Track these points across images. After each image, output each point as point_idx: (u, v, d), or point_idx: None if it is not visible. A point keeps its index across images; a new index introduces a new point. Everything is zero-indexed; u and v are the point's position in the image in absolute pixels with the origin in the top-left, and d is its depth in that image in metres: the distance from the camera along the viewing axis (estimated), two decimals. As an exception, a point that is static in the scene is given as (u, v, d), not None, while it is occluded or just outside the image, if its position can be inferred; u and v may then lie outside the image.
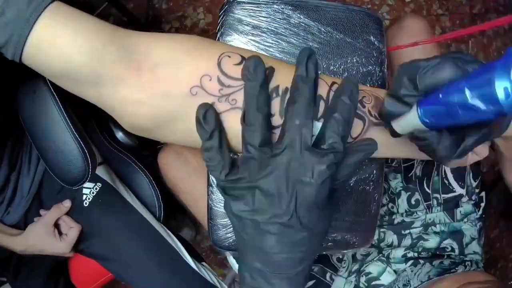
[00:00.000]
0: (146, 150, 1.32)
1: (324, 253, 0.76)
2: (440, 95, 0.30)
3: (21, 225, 0.81)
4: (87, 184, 0.80)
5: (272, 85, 0.35)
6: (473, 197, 0.74)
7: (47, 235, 0.76)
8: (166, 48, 0.35)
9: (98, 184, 0.82)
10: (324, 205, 0.34)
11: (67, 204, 0.80)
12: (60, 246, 0.78)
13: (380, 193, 0.56)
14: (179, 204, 0.86)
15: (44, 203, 0.82)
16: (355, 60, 0.55)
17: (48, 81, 0.64)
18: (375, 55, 0.56)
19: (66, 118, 0.64)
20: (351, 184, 0.55)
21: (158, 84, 0.34)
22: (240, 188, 0.34)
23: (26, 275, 0.85)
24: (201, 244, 1.45)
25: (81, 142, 0.65)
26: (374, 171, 0.55)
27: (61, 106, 0.64)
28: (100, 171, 0.83)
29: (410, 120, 0.33)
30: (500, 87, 0.25)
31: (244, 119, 0.34)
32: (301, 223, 0.33)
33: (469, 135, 0.33)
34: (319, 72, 0.37)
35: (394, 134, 0.36)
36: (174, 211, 1.34)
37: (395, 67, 0.82)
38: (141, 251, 0.79)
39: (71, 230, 0.79)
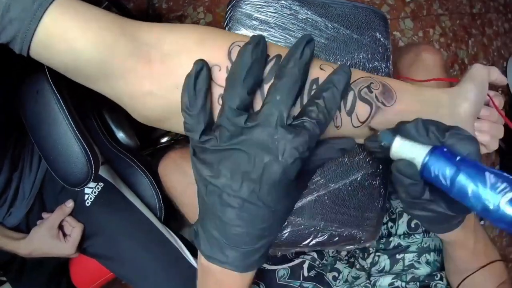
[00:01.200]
0: (146, 149, 1.32)
1: (332, 252, 0.76)
2: (456, 163, 0.31)
3: (23, 226, 0.80)
4: (89, 184, 0.79)
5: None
6: None
7: (51, 238, 0.76)
8: (176, 38, 0.35)
9: (100, 184, 0.81)
10: (289, 185, 0.33)
11: (70, 204, 0.79)
12: (65, 248, 0.77)
13: (386, 187, 0.57)
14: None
15: (46, 204, 0.82)
16: (361, 56, 0.55)
17: (50, 81, 0.63)
18: (380, 51, 0.56)
19: (69, 119, 0.64)
20: (358, 179, 0.55)
21: (169, 76, 0.34)
22: (208, 151, 0.33)
23: (28, 276, 0.85)
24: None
25: (84, 144, 0.65)
26: (381, 166, 0.55)
27: (64, 107, 0.63)
28: (102, 171, 0.82)
29: (415, 151, 0.33)
30: (505, 201, 0.27)
31: (227, 78, 0.33)
32: (262, 200, 0.32)
33: (437, 203, 0.36)
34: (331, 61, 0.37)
35: (371, 144, 0.38)
36: (175, 211, 1.33)
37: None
38: (143, 250, 0.79)
39: (74, 230, 0.78)
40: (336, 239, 0.56)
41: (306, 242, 0.56)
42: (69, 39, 0.31)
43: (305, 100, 0.36)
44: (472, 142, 0.33)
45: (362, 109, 0.38)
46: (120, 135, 0.98)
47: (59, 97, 0.63)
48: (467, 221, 0.48)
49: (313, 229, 0.55)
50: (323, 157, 0.35)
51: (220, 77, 0.34)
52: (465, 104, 0.42)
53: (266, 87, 0.35)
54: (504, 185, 0.28)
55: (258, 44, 0.32)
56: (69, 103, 0.65)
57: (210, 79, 0.33)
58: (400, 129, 0.36)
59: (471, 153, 0.32)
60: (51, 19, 0.30)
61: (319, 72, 0.37)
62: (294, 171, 0.32)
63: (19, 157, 0.76)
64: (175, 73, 0.34)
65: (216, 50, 0.34)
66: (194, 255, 0.83)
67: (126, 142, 0.99)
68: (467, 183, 0.29)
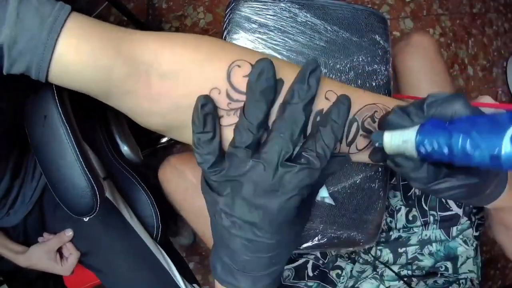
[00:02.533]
0: (146, 149, 1.32)
1: (333, 251, 0.76)
2: (447, 127, 0.29)
3: (20, 227, 0.82)
4: None
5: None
6: (471, 217, 0.74)
7: (49, 260, 0.80)
8: (174, 56, 0.34)
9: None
10: (291, 217, 0.34)
11: (69, 233, 0.81)
12: (61, 270, 0.81)
13: (385, 190, 0.57)
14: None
15: (44, 211, 0.83)
16: (360, 59, 0.55)
17: (59, 106, 0.61)
18: (380, 54, 0.56)
19: (77, 151, 0.62)
20: (357, 182, 0.55)
21: (167, 97, 0.34)
22: (216, 181, 0.34)
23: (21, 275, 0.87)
24: (201, 244, 1.44)
25: (90, 178, 0.64)
26: (380, 169, 0.55)
27: (71, 137, 0.61)
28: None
29: (405, 136, 0.32)
30: (508, 142, 0.25)
31: (243, 112, 0.33)
32: (264, 233, 0.34)
33: (453, 176, 0.33)
34: (325, 72, 0.36)
35: (375, 157, 0.37)
36: (175, 215, 1.34)
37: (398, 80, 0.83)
38: (135, 272, 0.81)
39: (71, 256, 0.81)
40: (336, 241, 0.56)
41: (306, 245, 0.56)
42: (72, 67, 0.31)
43: (309, 130, 0.36)
44: (453, 99, 0.31)
45: (363, 140, 0.38)
46: (125, 149, 0.98)
47: (67, 126, 0.61)
48: (511, 185, 0.45)
49: (312, 231, 0.55)
50: (321, 178, 0.35)
51: (220, 100, 0.34)
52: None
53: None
54: (501, 123, 0.26)
55: (262, 73, 0.32)
56: (76, 131, 0.64)
57: (216, 112, 0.33)
58: (385, 124, 0.35)
59: (458, 110, 0.31)
60: (64, 48, 0.30)
61: (324, 102, 0.36)
62: (294, 206, 0.33)
63: (22, 163, 0.76)
64: (175, 94, 0.34)
65: (215, 71, 0.34)
66: (185, 277, 0.85)
67: (130, 157, 0.99)
68: (463, 141, 0.27)
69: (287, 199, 0.32)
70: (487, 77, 1.50)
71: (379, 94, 0.41)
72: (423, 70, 0.78)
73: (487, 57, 1.50)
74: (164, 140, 1.37)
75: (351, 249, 0.59)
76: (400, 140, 0.33)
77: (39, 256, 0.79)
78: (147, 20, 1.47)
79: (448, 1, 1.50)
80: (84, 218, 0.78)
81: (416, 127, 0.32)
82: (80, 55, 0.31)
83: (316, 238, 0.56)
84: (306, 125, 0.35)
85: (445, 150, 0.29)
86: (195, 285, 0.88)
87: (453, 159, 0.29)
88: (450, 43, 1.49)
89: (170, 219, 1.32)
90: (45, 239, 0.81)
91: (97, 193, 0.66)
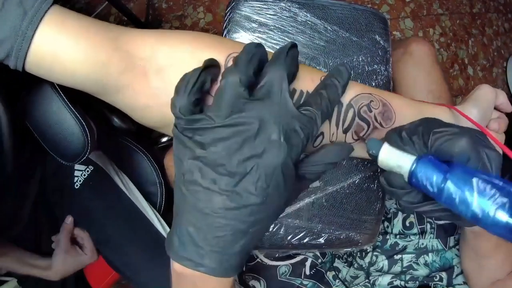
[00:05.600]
0: (144, 139, 1.32)
1: (331, 251, 0.76)
2: (444, 171, 0.29)
3: (29, 226, 0.82)
4: (78, 167, 0.81)
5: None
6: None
7: (73, 258, 0.80)
8: (171, 51, 0.34)
9: (90, 167, 0.82)
10: (286, 175, 0.30)
11: (69, 219, 0.82)
12: (88, 258, 0.82)
13: (384, 191, 0.57)
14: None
15: (44, 183, 0.83)
16: (360, 59, 0.55)
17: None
18: (380, 54, 0.56)
19: (62, 95, 0.64)
20: (356, 182, 0.55)
21: (164, 90, 0.34)
22: (198, 131, 0.30)
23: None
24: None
25: (78, 115, 0.65)
26: (379, 169, 0.55)
27: (56, 87, 0.64)
28: (93, 155, 0.82)
29: (401, 161, 0.32)
30: (493, 210, 0.26)
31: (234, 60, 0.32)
32: (255, 187, 0.29)
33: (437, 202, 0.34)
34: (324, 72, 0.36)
35: (369, 155, 0.36)
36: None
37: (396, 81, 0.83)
38: (127, 239, 0.79)
39: (85, 240, 0.82)
40: (334, 241, 0.56)
41: (304, 244, 0.56)
42: (62, 59, 0.31)
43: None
44: (460, 137, 0.31)
45: (359, 128, 0.38)
46: (115, 121, 0.99)
47: (56, 85, 0.63)
48: None
49: (310, 231, 0.55)
50: (323, 161, 0.34)
51: (215, 90, 0.33)
52: (466, 125, 0.40)
53: None
54: (493, 191, 0.26)
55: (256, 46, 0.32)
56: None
57: (210, 76, 0.32)
58: (388, 138, 0.35)
59: (463, 149, 0.30)
60: (42, 39, 0.30)
61: (312, 84, 0.37)
62: (294, 157, 0.30)
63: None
64: (171, 88, 0.33)
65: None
66: None
67: (122, 127, 1.00)
68: (454, 191, 0.28)
69: (292, 148, 0.29)
70: (487, 77, 1.50)
71: (376, 88, 0.41)
72: (419, 79, 0.78)
73: (487, 57, 1.50)
74: (164, 139, 1.37)
75: (349, 249, 0.58)
76: (395, 163, 0.33)
77: (64, 261, 0.79)
78: (147, 20, 1.47)
79: (448, 1, 1.50)
80: (75, 185, 0.78)
81: (414, 158, 0.32)
82: (59, 46, 0.31)
83: (315, 238, 0.56)
84: (296, 73, 0.35)
85: (435, 191, 0.30)
86: None
87: (439, 200, 0.30)
88: (450, 43, 1.49)
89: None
90: (56, 242, 0.81)
91: (87, 128, 0.65)
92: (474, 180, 0.27)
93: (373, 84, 0.56)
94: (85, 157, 0.66)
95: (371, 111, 0.38)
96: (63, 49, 0.31)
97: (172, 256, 0.33)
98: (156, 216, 0.84)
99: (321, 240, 0.56)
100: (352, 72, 0.54)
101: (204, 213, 0.30)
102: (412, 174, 0.31)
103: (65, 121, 0.64)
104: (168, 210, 0.90)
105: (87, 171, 0.82)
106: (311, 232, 0.55)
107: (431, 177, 0.30)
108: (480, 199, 0.27)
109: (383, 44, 0.56)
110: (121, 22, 1.40)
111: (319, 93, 0.33)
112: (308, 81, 0.36)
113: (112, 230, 0.80)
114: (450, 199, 0.28)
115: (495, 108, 0.43)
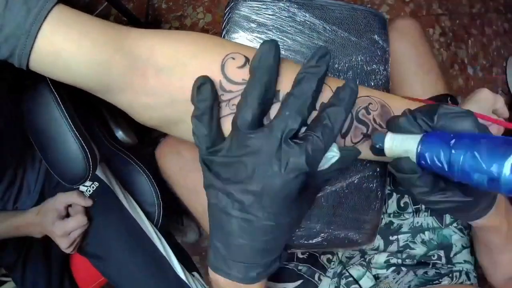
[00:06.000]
0: (147, 148, 1.33)
1: (334, 251, 0.76)
2: (451, 142, 0.29)
3: None
4: (84, 183, 0.81)
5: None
6: None
7: (53, 213, 0.74)
8: (170, 52, 0.34)
9: (96, 183, 0.82)
10: (292, 200, 0.33)
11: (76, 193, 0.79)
12: (59, 230, 0.74)
13: (383, 190, 0.57)
14: (184, 208, 0.86)
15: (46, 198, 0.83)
16: (359, 59, 0.55)
17: (49, 80, 0.63)
18: (379, 54, 0.56)
19: (67, 116, 0.64)
20: (355, 182, 0.55)
21: (163, 90, 0.34)
22: (215, 161, 0.33)
23: (32, 275, 0.86)
24: (201, 244, 1.45)
25: (82, 141, 0.65)
26: (378, 168, 0.55)
27: (61, 105, 0.64)
28: (98, 171, 0.83)
29: (407, 145, 0.32)
30: (508, 168, 0.25)
31: (242, 95, 0.33)
32: (264, 212, 0.32)
33: (449, 191, 0.34)
34: (328, 74, 0.36)
35: (375, 151, 0.36)
36: (181, 216, 1.34)
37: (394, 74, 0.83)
38: (130, 254, 0.80)
39: (77, 216, 0.76)
40: (333, 241, 0.56)
41: (303, 244, 0.56)
42: (65, 58, 0.31)
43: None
44: (465, 116, 0.31)
45: (357, 131, 0.38)
46: (119, 133, 0.99)
47: (57, 95, 0.63)
48: (498, 206, 0.45)
49: (309, 231, 0.55)
50: (329, 169, 0.35)
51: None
52: None
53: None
54: (504, 148, 0.25)
55: (266, 52, 0.32)
56: (67, 101, 0.65)
57: (214, 92, 0.33)
58: (390, 125, 0.35)
59: (467, 128, 0.31)
60: (45, 37, 0.31)
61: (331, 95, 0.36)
62: (296, 186, 0.32)
63: (22, 151, 0.77)
64: (170, 87, 0.34)
65: (211, 63, 0.34)
66: (184, 265, 0.84)
67: (125, 140, 1.00)
68: (464, 160, 0.27)
69: (293, 177, 0.31)
70: (487, 77, 1.50)
71: (374, 89, 0.41)
72: (408, 53, 0.78)
73: (487, 57, 1.50)
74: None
75: (348, 249, 0.58)
76: (401, 148, 0.33)
77: (48, 209, 0.75)
78: (147, 20, 1.47)
79: (448, 1, 1.50)
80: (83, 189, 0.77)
81: (418, 137, 0.31)
82: (62, 45, 0.31)
83: (313, 238, 0.56)
84: (314, 104, 0.35)
85: (445, 166, 0.29)
86: (194, 273, 0.87)
87: (452, 176, 0.29)
88: (450, 43, 1.49)
89: (176, 216, 1.32)
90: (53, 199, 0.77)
91: (89, 156, 0.66)
92: (483, 141, 0.26)
93: (372, 84, 0.56)
94: (84, 182, 0.67)
95: (369, 114, 0.38)
96: (66, 48, 0.31)
97: (209, 266, 0.38)
98: (156, 234, 0.85)
99: (320, 240, 0.56)
100: (350, 72, 0.55)
101: (226, 232, 0.34)
102: (419, 155, 0.31)
103: (68, 144, 0.65)
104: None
105: (92, 187, 0.82)
106: (310, 231, 0.55)
107: (438, 153, 0.29)
108: (491, 160, 0.25)
109: (382, 44, 0.56)
110: (120, 23, 1.39)
111: (320, 117, 0.33)
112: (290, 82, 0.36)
113: (114, 246, 0.81)
114: (463, 171, 0.27)
115: (493, 113, 0.44)
